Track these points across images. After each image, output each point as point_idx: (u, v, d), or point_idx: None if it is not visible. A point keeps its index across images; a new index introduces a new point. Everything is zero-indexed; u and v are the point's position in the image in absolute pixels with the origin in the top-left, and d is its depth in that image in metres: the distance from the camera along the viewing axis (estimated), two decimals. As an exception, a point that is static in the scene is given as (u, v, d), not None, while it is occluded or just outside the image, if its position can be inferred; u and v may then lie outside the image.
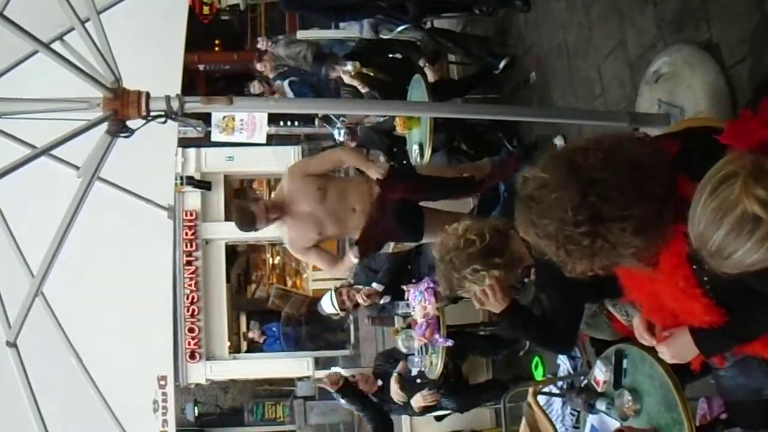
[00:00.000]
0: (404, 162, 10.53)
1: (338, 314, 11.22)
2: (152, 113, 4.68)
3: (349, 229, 8.04)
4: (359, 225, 7.91)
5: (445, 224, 8.01)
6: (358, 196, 7.97)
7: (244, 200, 8.23)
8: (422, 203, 8.27)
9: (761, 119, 2.90)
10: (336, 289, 10.48)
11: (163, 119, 4.73)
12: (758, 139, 2.74)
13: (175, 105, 4.71)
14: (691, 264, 3.08)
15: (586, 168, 2.84)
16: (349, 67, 10.88)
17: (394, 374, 10.37)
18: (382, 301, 10.39)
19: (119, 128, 4.60)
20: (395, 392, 10.25)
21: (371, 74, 10.83)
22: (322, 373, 16.72)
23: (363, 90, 10.79)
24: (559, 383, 7.27)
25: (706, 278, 3.11)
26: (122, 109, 4.60)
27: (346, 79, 11.11)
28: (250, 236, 19.68)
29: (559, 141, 8.75)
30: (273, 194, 8.30)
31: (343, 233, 8.17)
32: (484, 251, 4.37)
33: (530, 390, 6.65)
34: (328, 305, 10.72)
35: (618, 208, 2.81)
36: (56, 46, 5.27)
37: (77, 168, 4.75)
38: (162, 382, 6.57)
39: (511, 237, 4.39)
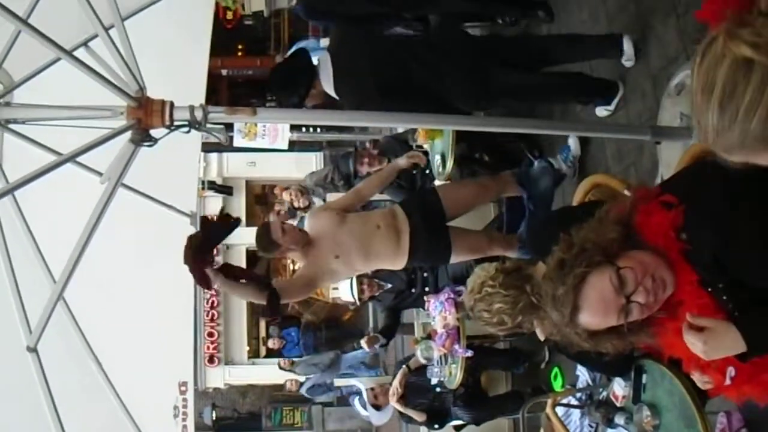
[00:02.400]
0: (427, 171, 10.54)
1: (355, 303, 11.26)
2: (176, 123, 4.70)
3: (373, 252, 7.55)
4: (385, 247, 7.55)
5: (472, 243, 7.93)
6: (381, 215, 7.77)
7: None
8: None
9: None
10: (358, 277, 10.49)
11: (186, 129, 4.75)
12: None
13: (198, 115, 4.72)
14: (705, 288, 3.08)
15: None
16: None
17: (403, 367, 10.41)
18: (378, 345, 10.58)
19: (143, 137, 4.61)
20: (396, 382, 10.32)
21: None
22: (341, 382, 16.74)
23: None
24: (578, 394, 7.26)
25: (725, 297, 3.10)
26: (146, 118, 4.61)
27: None
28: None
29: (573, 140, 8.77)
30: None
31: (367, 259, 7.60)
32: (514, 327, 4.36)
33: (549, 401, 6.64)
34: (346, 293, 10.74)
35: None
36: (81, 51, 5.30)
37: (100, 174, 4.77)
38: (183, 388, 6.60)
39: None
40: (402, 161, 8.06)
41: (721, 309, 3.11)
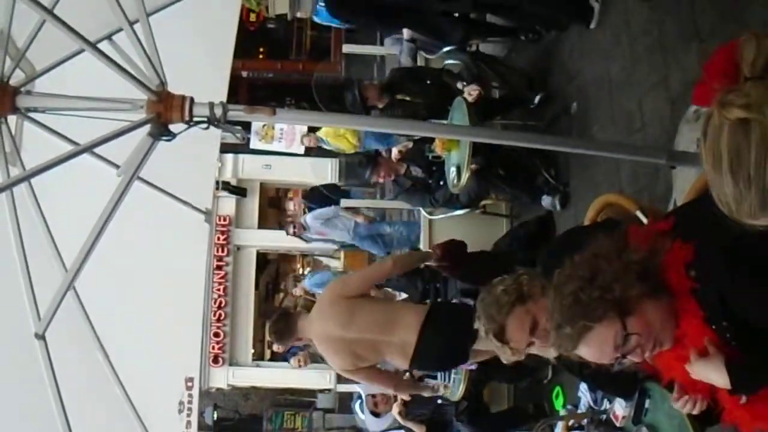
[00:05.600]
0: (441, 182, 10.61)
1: None
2: (195, 118, 4.72)
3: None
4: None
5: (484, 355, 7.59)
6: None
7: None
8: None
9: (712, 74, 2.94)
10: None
11: (205, 125, 4.77)
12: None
13: (218, 112, 4.74)
14: (710, 325, 3.10)
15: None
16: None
17: (407, 374, 10.44)
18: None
19: (161, 131, 4.63)
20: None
21: (408, 99, 10.92)
22: (343, 387, 16.74)
23: None
24: (584, 421, 7.28)
25: (728, 335, 3.11)
26: (165, 112, 4.63)
27: None
28: (282, 245, 19.80)
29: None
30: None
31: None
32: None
33: (561, 423, 6.66)
34: None
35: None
36: (104, 45, 5.33)
37: (117, 166, 4.80)
38: (189, 384, 6.62)
39: None
40: (432, 262, 7.94)
41: (724, 347, 3.14)
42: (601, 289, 3.08)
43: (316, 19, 15.45)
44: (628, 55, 8.22)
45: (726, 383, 3.17)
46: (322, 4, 14.71)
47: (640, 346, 3.11)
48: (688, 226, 3.18)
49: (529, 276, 4.51)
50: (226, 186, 19.00)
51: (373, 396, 11.49)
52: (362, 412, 11.83)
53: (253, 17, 22.32)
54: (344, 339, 6.94)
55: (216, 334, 19.16)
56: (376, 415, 11.47)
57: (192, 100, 4.70)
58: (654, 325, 3.13)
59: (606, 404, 5.90)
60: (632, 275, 3.10)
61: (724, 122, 2.27)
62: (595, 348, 3.14)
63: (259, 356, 20.87)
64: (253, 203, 19.90)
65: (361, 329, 6.93)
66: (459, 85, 10.74)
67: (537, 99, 10.53)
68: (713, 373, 3.18)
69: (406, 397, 10.26)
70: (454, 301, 9.20)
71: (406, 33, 11.76)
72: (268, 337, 21.23)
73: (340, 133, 15.56)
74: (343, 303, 6.98)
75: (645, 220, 4.62)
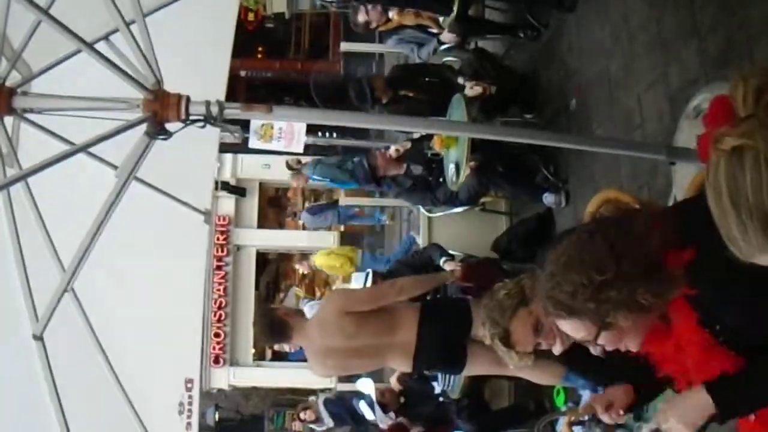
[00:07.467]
0: (441, 180, 10.59)
1: None
2: (191, 117, 4.70)
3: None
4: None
5: (486, 359, 7.51)
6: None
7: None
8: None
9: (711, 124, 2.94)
10: (374, 274, 10.43)
11: (201, 124, 4.75)
12: None
13: (214, 110, 4.72)
14: (704, 327, 3.07)
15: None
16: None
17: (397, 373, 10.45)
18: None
19: (158, 130, 4.62)
20: (393, 384, 10.38)
21: (410, 95, 10.92)
22: (344, 386, 16.74)
23: None
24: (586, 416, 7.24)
25: (722, 339, 3.09)
26: (161, 111, 4.61)
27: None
28: (282, 244, 19.78)
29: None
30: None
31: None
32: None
33: (564, 419, 6.64)
34: (359, 285, 10.70)
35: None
36: (101, 45, 5.31)
37: (115, 167, 4.78)
38: (189, 385, 6.60)
39: None
40: (450, 278, 7.92)
41: (718, 347, 3.12)
42: (598, 303, 2.98)
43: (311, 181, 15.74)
44: (628, 51, 8.20)
45: (707, 409, 3.11)
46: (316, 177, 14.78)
47: (611, 344, 3.12)
48: (687, 225, 3.14)
49: (531, 279, 4.52)
50: (226, 186, 19.00)
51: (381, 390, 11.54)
52: (371, 410, 11.78)
53: (251, 16, 22.32)
54: (347, 348, 6.93)
55: (216, 335, 19.16)
56: (383, 407, 11.44)
57: (188, 98, 4.68)
58: (623, 338, 3.10)
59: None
60: (642, 292, 2.98)
61: (720, 155, 2.24)
62: (569, 331, 3.12)
63: (259, 356, 20.88)
64: (252, 203, 19.92)
65: (368, 337, 6.92)
66: (460, 80, 10.73)
67: (529, 117, 10.67)
68: (695, 404, 3.14)
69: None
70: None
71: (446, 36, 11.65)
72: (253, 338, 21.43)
73: (336, 266, 16.57)
74: (348, 317, 6.91)
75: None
